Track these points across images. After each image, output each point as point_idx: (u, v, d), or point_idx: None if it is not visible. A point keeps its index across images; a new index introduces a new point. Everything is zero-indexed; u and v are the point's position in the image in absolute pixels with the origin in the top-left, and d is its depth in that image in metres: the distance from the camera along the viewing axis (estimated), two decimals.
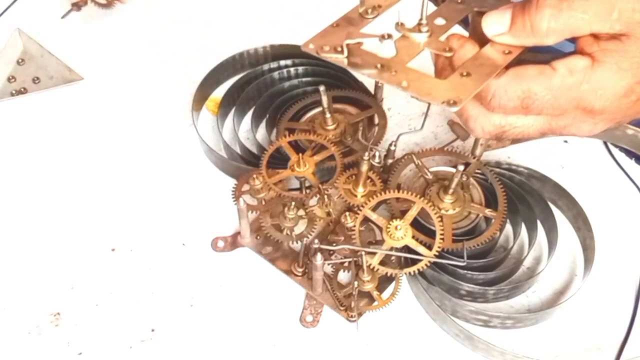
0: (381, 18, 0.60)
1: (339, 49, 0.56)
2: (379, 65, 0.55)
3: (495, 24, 0.55)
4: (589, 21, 0.52)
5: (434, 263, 0.67)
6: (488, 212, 0.70)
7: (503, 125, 0.56)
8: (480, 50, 0.56)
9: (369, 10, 0.60)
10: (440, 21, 0.59)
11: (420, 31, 0.57)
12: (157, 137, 0.83)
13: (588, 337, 0.68)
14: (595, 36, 0.53)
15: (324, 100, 0.75)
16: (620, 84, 0.53)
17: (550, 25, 0.52)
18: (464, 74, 0.54)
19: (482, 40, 0.56)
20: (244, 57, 0.87)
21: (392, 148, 0.74)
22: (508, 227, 0.73)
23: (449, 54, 0.56)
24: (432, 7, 0.59)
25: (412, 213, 0.67)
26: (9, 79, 0.89)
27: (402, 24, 0.58)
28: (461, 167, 0.68)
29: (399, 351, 0.67)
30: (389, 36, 0.57)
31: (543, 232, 0.74)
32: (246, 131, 0.83)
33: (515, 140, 0.79)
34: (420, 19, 0.58)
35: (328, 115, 0.76)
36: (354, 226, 0.68)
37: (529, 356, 0.64)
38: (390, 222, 0.66)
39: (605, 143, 0.81)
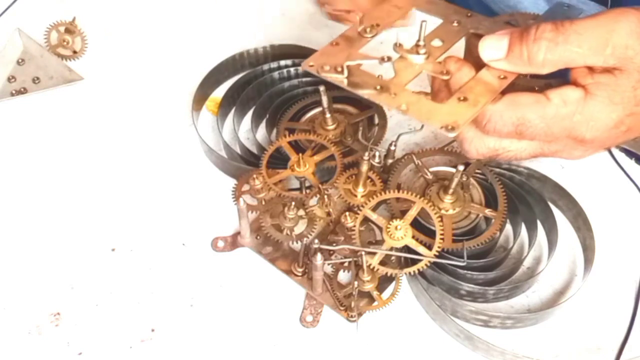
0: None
1: (339, 69, 0.57)
2: (378, 87, 0.56)
3: (492, 49, 0.56)
4: (584, 55, 0.54)
5: (434, 263, 0.67)
6: (488, 212, 0.70)
7: (497, 149, 0.58)
8: (476, 74, 0.57)
9: (368, 29, 0.61)
10: (437, 42, 0.60)
11: (417, 53, 0.58)
12: (157, 137, 0.83)
13: (588, 337, 0.68)
14: (590, 68, 0.55)
15: (324, 100, 0.75)
16: (611, 117, 0.55)
17: (546, 56, 0.54)
18: (461, 98, 0.55)
19: (477, 62, 0.57)
20: (244, 57, 0.87)
21: (392, 148, 0.74)
22: (508, 227, 0.73)
23: (446, 77, 0.57)
24: (430, 28, 0.60)
25: (412, 213, 0.67)
26: (9, 79, 0.89)
27: (400, 45, 0.59)
28: (461, 167, 0.68)
29: (399, 351, 0.67)
30: (389, 59, 0.58)
31: (543, 232, 0.74)
32: (246, 131, 0.83)
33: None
34: (418, 40, 0.58)
35: (328, 115, 0.76)
36: (354, 226, 0.68)
37: (529, 356, 0.64)
38: (390, 222, 0.66)
39: None
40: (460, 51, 0.62)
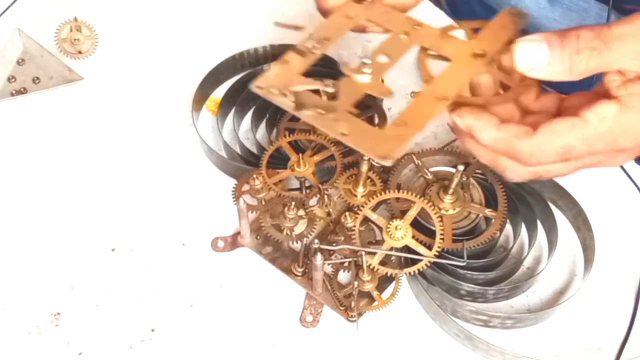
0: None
1: (285, 92, 0.55)
2: (320, 110, 0.53)
3: (530, 57, 0.53)
4: (621, 60, 0.53)
5: (434, 263, 0.67)
6: (488, 212, 0.70)
7: (539, 171, 0.56)
8: (417, 98, 0.54)
9: (316, 45, 0.58)
10: (383, 58, 0.56)
11: (362, 72, 0.55)
12: (157, 137, 0.83)
13: (588, 337, 0.68)
14: (622, 74, 0.54)
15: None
16: None
17: (588, 66, 0.53)
18: (399, 123, 0.52)
19: (429, 75, 0.55)
20: (244, 57, 0.87)
21: None
22: (508, 227, 0.73)
23: (389, 97, 0.55)
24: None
25: (412, 213, 0.67)
26: (9, 79, 0.89)
27: (345, 64, 0.56)
28: (461, 167, 0.68)
29: (399, 351, 0.67)
30: (334, 85, 0.55)
31: (543, 232, 0.74)
32: (246, 131, 0.83)
33: None
34: (362, 57, 0.56)
35: None
36: (354, 226, 0.68)
37: (529, 356, 0.64)
38: (390, 222, 0.66)
39: None
40: (409, 67, 0.58)
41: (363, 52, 0.57)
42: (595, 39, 0.53)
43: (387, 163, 0.50)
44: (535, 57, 0.53)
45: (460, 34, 0.59)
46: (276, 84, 0.56)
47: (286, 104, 0.55)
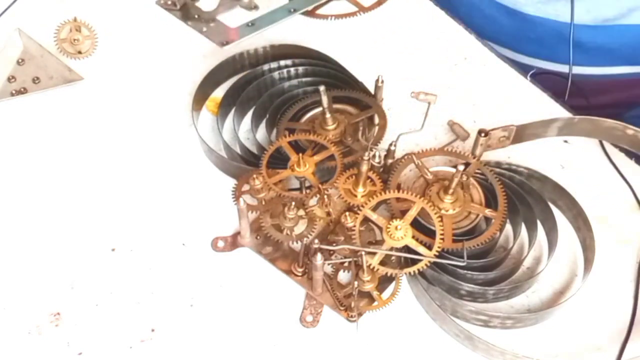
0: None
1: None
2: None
3: None
4: None
5: (434, 263, 0.67)
6: (488, 212, 0.70)
7: None
8: None
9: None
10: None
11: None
12: (157, 137, 0.83)
13: (588, 337, 0.68)
14: None
15: (324, 100, 0.75)
16: None
17: None
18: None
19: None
20: (244, 57, 0.87)
21: (392, 148, 0.74)
22: (508, 227, 0.73)
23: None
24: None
25: (412, 213, 0.67)
26: (9, 79, 0.89)
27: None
28: (461, 167, 0.68)
29: (399, 351, 0.67)
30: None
31: (543, 232, 0.73)
32: (246, 131, 0.83)
33: (515, 140, 0.79)
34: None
35: (328, 115, 0.76)
36: (354, 226, 0.68)
37: (529, 356, 0.64)
38: (390, 222, 0.66)
39: (601, 144, 0.81)
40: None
41: None
42: None
43: None
44: None
45: None
46: None
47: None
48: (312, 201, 0.72)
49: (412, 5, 0.97)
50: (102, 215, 0.76)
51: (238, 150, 0.79)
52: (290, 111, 0.80)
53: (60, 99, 0.87)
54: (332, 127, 0.77)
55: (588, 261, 0.70)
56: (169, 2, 0.95)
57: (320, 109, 0.78)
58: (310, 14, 0.95)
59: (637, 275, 0.71)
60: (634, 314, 0.69)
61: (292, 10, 0.94)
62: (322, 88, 0.74)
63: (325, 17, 0.95)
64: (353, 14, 0.95)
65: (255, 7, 0.95)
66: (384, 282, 0.69)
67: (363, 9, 0.96)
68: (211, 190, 0.78)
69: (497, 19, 1.00)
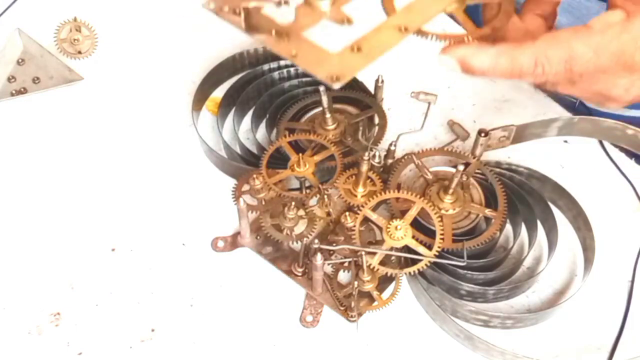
0: None
1: (237, 10, 0.54)
2: (273, 32, 0.53)
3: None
4: None
5: (434, 263, 0.67)
6: (488, 212, 0.70)
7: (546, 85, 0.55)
8: (378, 25, 0.53)
9: None
10: None
11: None
12: (157, 137, 0.83)
13: (588, 337, 0.68)
14: None
15: (324, 100, 0.75)
16: None
17: None
18: (355, 48, 0.51)
19: (392, 8, 0.54)
20: (244, 57, 0.87)
21: (392, 148, 0.74)
22: (508, 227, 0.73)
23: (347, 25, 0.53)
24: None
25: (412, 213, 0.67)
26: (9, 79, 0.89)
27: None
28: (461, 167, 0.68)
29: (399, 351, 0.67)
30: (286, 2, 0.54)
31: (543, 232, 0.73)
32: (246, 131, 0.83)
33: (515, 140, 0.79)
34: None
35: (328, 115, 0.76)
36: (354, 226, 0.68)
37: (529, 356, 0.64)
38: (390, 222, 0.66)
39: (602, 144, 0.81)
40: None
41: None
42: None
43: (336, 85, 0.50)
44: None
45: None
46: (229, 2, 0.55)
47: (236, 22, 0.54)
48: (312, 201, 0.72)
49: None
50: (102, 215, 0.76)
51: (238, 150, 0.79)
52: (290, 111, 0.80)
53: (60, 99, 0.87)
54: (332, 127, 0.77)
55: (588, 261, 0.70)
56: None
57: (320, 109, 0.78)
58: None
59: (632, 277, 0.71)
60: (625, 313, 0.69)
61: None
62: (322, 88, 0.74)
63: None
64: None
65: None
66: (384, 282, 0.69)
67: None
68: (211, 190, 0.78)
69: None
